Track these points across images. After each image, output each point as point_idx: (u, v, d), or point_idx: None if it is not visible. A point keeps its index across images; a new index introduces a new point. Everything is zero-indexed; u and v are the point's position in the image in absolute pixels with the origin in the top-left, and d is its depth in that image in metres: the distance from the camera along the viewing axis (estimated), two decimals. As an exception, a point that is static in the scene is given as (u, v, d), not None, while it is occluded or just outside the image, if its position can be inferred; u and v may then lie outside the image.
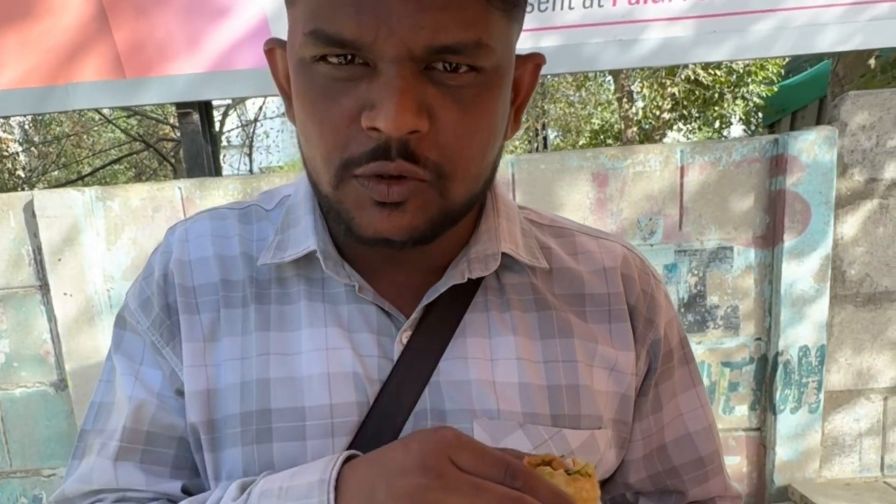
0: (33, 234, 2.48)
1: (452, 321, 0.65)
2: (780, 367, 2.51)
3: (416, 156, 0.52)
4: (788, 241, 2.42)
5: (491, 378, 0.63)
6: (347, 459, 0.53)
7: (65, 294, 2.48)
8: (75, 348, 2.53)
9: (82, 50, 2.55)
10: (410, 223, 0.56)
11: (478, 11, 0.51)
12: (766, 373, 2.58)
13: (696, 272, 2.50)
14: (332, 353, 0.63)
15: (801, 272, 2.44)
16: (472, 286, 0.66)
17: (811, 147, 2.35)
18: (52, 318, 2.53)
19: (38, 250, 2.49)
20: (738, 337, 2.56)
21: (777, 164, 2.40)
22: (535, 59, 0.63)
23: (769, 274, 2.51)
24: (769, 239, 2.49)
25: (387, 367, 0.63)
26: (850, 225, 2.48)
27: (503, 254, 0.65)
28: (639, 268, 0.73)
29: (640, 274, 0.73)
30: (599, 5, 2.51)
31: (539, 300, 0.68)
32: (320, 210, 0.66)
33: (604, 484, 0.75)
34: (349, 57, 0.51)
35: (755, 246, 2.50)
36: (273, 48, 0.63)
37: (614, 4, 2.52)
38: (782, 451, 2.56)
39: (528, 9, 2.39)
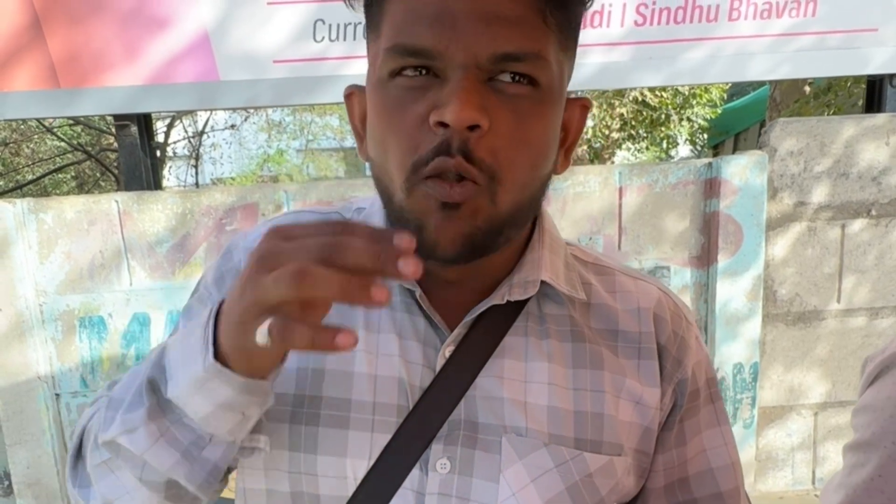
0: (-39, 246, 2.40)
1: (493, 342, 0.69)
2: (715, 384, 2.56)
3: (473, 157, 0.57)
4: (722, 261, 2.49)
5: (523, 398, 0.68)
6: None
7: (-7, 309, 2.40)
8: (5, 364, 2.45)
9: (14, 58, 2.49)
10: (465, 230, 0.60)
11: (537, 29, 0.58)
12: (701, 389, 2.63)
13: (634, 291, 2.55)
14: (381, 358, 0.68)
15: (734, 291, 2.52)
16: (515, 311, 0.70)
17: (743, 171, 2.43)
18: (-21, 333, 2.45)
19: (-35, 263, 2.41)
20: (674, 354, 2.61)
21: (711, 187, 2.48)
22: (583, 102, 0.69)
23: (704, 293, 2.58)
24: (704, 259, 2.56)
25: (429, 376, 0.68)
26: (781, 246, 2.57)
27: (545, 284, 0.70)
28: (672, 310, 0.77)
29: (673, 316, 0.76)
30: (541, 28, 2.56)
31: (575, 332, 0.72)
32: (391, 223, 0.71)
33: None
34: (423, 71, 0.58)
35: (691, 266, 2.57)
36: (353, 93, 0.70)
37: (555, 28, 2.57)
38: (717, 467, 2.61)
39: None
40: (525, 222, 0.68)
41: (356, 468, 0.65)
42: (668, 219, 2.52)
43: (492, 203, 0.59)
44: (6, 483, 2.61)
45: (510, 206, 0.61)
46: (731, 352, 2.56)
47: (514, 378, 0.68)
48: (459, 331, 0.68)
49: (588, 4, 0.64)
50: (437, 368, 0.68)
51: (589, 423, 0.69)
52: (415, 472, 0.66)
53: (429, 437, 0.66)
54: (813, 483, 2.77)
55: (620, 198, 2.50)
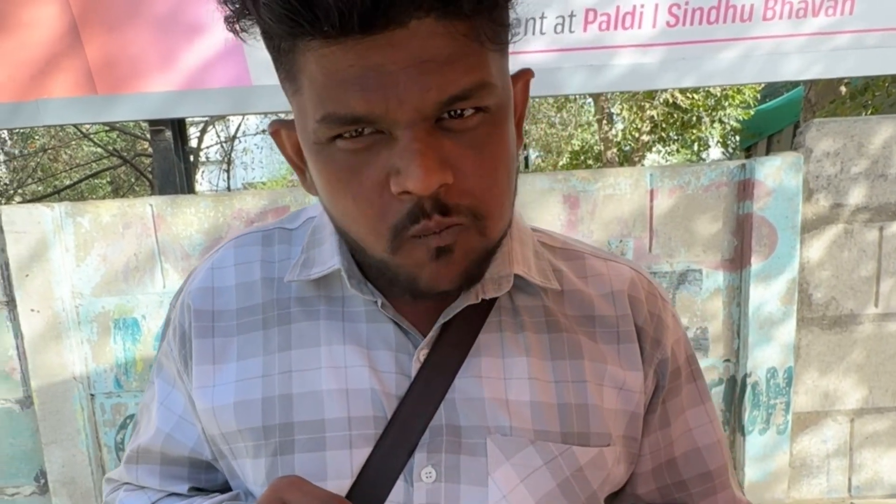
0: (1, 249, 2.45)
1: (467, 341, 0.67)
2: (749, 389, 2.53)
3: (449, 207, 0.54)
4: (756, 264, 2.45)
5: (504, 396, 0.66)
6: None
7: (32, 310, 2.45)
8: (41, 365, 2.50)
9: (54, 65, 2.55)
10: (461, 270, 0.58)
11: (474, 55, 0.52)
12: (734, 394, 2.60)
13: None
14: (350, 370, 0.66)
15: (768, 295, 2.48)
16: (487, 307, 0.68)
17: (777, 172, 2.39)
18: (18, 334, 2.51)
19: (5, 266, 2.46)
20: (707, 358, 2.58)
21: (744, 189, 2.44)
22: (526, 76, 0.65)
23: (737, 296, 2.55)
24: (737, 262, 2.52)
25: (404, 383, 0.66)
26: (816, 249, 2.52)
27: (517, 276, 0.68)
28: (646, 290, 0.75)
29: (648, 296, 0.75)
30: (570, 31, 2.56)
31: (551, 322, 0.70)
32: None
33: (614, 496, 0.78)
34: (361, 129, 0.53)
35: (723, 269, 2.53)
36: (278, 129, 0.65)
37: (585, 30, 2.57)
38: (751, 472, 2.58)
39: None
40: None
41: (340, 489, 0.63)
42: (701, 221, 2.49)
43: (482, 236, 0.58)
44: (42, 482, 2.66)
45: (500, 231, 0.60)
46: (765, 356, 2.52)
47: (493, 376, 0.66)
48: (434, 333, 0.66)
49: None
50: (413, 374, 0.65)
51: (574, 416, 0.67)
52: (399, 485, 0.64)
53: (411, 446, 0.64)
54: (849, 491, 2.71)
55: (651, 200, 2.48)
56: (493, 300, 0.68)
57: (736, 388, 2.59)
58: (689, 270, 2.52)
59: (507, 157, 0.58)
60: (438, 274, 0.58)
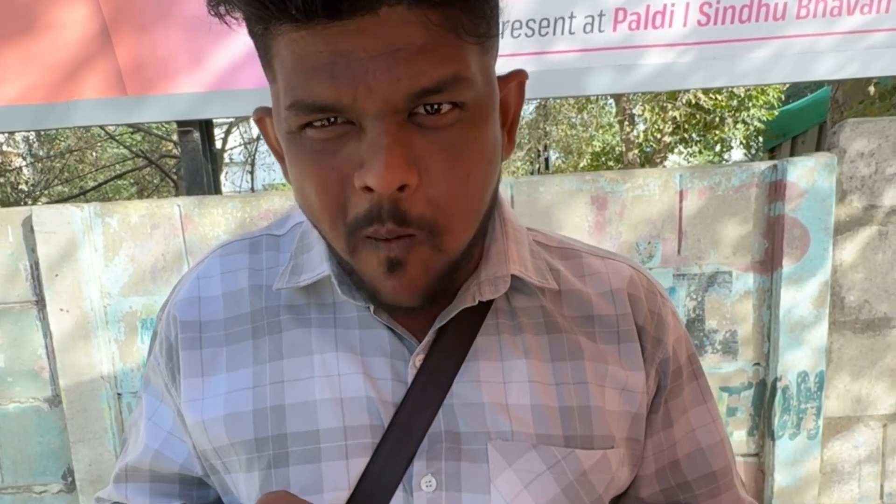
0: (31, 249, 2.48)
1: (464, 344, 0.65)
2: (779, 393, 2.49)
3: (406, 216, 0.52)
4: (787, 266, 2.41)
5: (504, 401, 0.64)
6: None
7: (61, 310, 2.47)
8: (70, 364, 2.52)
9: (84, 67, 2.57)
10: (421, 286, 0.56)
11: (452, 48, 0.51)
12: (764, 398, 2.56)
13: (694, 296, 2.50)
14: (343, 378, 0.64)
15: (799, 298, 2.44)
16: (483, 309, 0.66)
17: (810, 173, 2.35)
18: (47, 333, 2.53)
19: (35, 265, 2.49)
20: (736, 362, 2.55)
21: (776, 190, 2.41)
22: (518, 77, 0.63)
23: (768, 299, 2.51)
24: (768, 264, 2.48)
25: (401, 390, 0.64)
26: (849, 251, 2.48)
27: (513, 277, 0.66)
28: (645, 287, 0.74)
29: (647, 294, 0.73)
30: (600, 30, 2.54)
31: (549, 323, 0.68)
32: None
33: (617, 499, 0.76)
34: (332, 119, 0.51)
35: (754, 271, 2.50)
36: (262, 117, 0.64)
37: (614, 30, 2.54)
38: (781, 478, 2.54)
39: (528, 32, 2.41)
40: (480, 238, 0.63)
41: (337, 501, 0.62)
42: (731, 223, 2.46)
43: (438, 251, 0.55)
44: (69, 479, 2.68)
45: (461, 245, 0.58)
46: (796, 360, 2.48)
47: (492, 380, 0.65)
48: (429, 338, 0.64)
49: None
50: (409, 381, 0.64)
51: (576, 418, 0.65)
52: (399, 495, 0.62)
53: (409, 454, 0.62)
54: (881, 498, 2.66)
55: (681, 201, 2.45)
56: (490, 302, 0.67)
57: (766, 393, 2.55)
58: (718, 272, 2.49)
59: (483, 161, 0.56)
60: (397, 290, 0.56)
